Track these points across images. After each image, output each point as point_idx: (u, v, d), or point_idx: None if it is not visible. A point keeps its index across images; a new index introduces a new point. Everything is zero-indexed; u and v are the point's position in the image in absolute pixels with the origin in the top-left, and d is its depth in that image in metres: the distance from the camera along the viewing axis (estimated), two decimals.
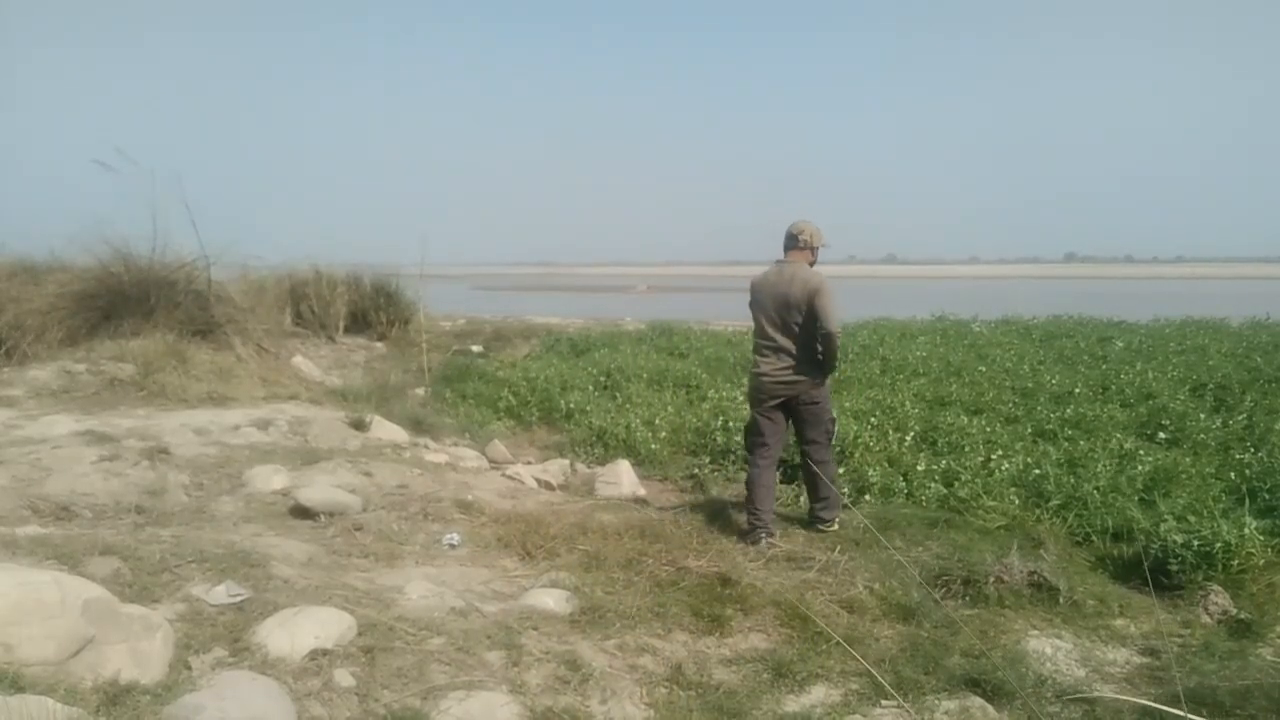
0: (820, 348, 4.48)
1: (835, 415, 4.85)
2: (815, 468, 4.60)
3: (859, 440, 6.12)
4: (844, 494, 5.18)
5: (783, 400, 4.60)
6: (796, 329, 4.47)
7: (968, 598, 3.70)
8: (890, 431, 6.59)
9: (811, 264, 4.65)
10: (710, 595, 3.57)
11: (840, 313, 4.50)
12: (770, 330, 4.56)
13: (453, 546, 4.14)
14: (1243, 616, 3.57)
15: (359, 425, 6.62)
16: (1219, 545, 3.87)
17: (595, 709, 2.72)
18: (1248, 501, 4.57)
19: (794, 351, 4.50)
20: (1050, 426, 6.57)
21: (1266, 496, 4.71)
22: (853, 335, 11.47)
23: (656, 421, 7.50)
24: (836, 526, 4.70)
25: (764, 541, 4.41)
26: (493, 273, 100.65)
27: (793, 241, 4.63)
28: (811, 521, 4.72)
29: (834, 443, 4.92)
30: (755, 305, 4.65)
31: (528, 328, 15.03)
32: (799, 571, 3.96)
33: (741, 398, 8.27)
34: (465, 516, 4.53)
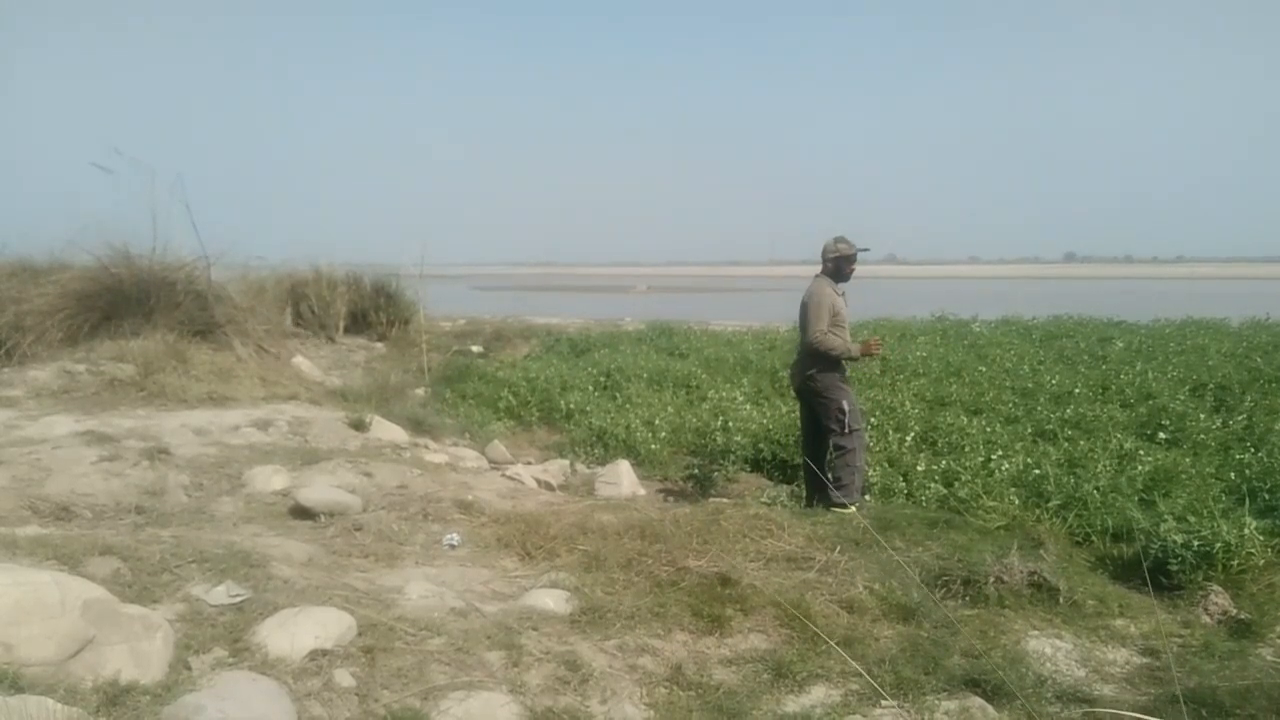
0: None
1: (848, 405, 5.17)
2: (833, 453, 5.20)
3: None
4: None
5: (799, 390, 5.43)
6: (800, 332, 5.33)
7: (968, 598, 3.70)
8: (890, 431, 6.59)
9: (838, 273, 5.30)
10: (710, 595, 3.56)
11: (823, 321, 5.12)
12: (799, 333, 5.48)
13: (453, 547, 4.13)
14: (1243, 616, 3.58)
15: (359, 425, 6.61)
16: (1219, 545, 3.87)
17: (595, 709, 2.71)
18: (1248, 501, 4.57)
19: (799, 349, 5.42)
20: (1050, 426, 6.57)
21: (1266, 496, 4.71)
22: (853, 335, 11.48)
23: (656, 422, 7.50)
24: (852, 510, 4.90)
25: (814, 502, 5.23)
26: (492, 273, 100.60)
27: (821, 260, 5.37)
28: (829, 502, 5.10)
29: (858, 429, 5.26)
30: None
31: (528, 328, 15.03)
32: (799, 571, 3.95)
33: (741, 398, 8.28)
34: (465, 517, 4.53)
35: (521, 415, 8.41)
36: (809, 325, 5.16)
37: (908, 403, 7.44)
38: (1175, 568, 3.89)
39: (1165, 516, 4.31)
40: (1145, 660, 3.28)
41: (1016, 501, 4.97)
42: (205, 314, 8.43)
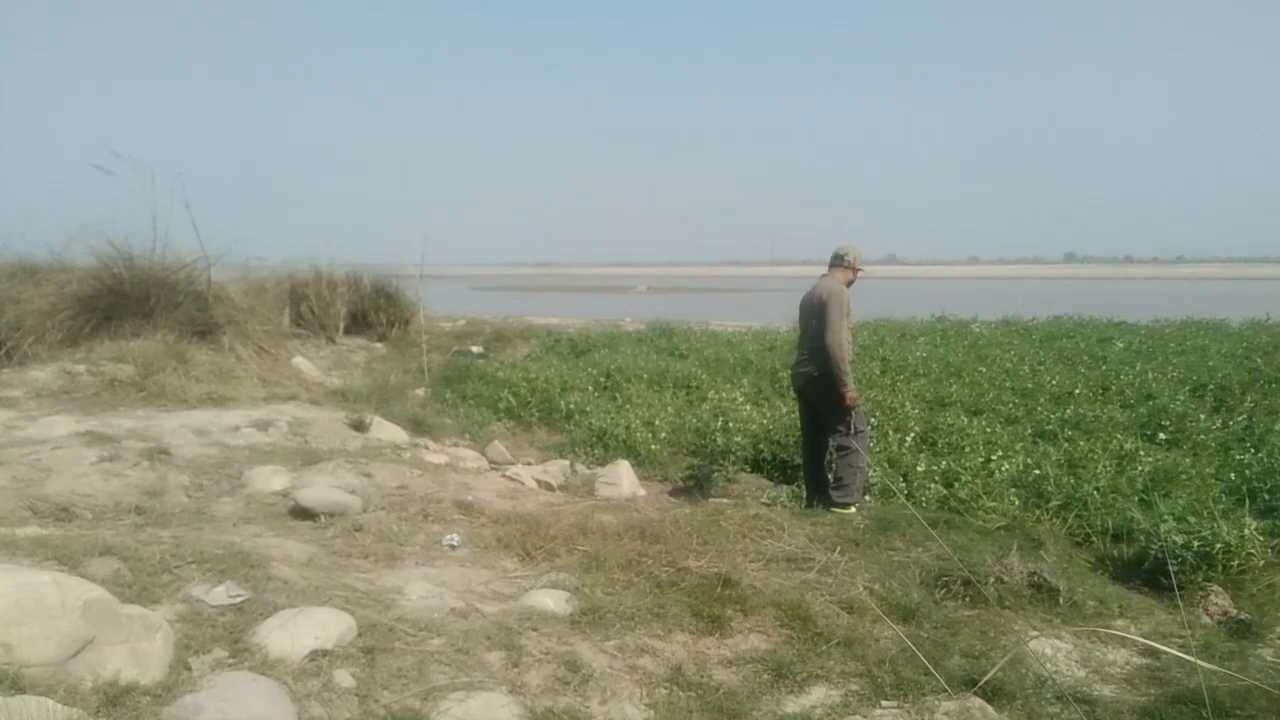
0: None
1: (859, 409, 5.15)
2: (835, 453, 5.15)
3: None
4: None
5: (802, 389, 5.32)
6: (812, 333, 5.13)
7: (968, 598, 3.70)
8: (890, 432, 6.59)
9: (850, 282, 5.25)
10: (710, 596, 3.57)
11: (844, 325, 4.97)
12: (801, 331, 5.38)
13: (453, 547, 4.13)
14: (1243, 617, 3.58)
15: (359, 426, 6.61)
16: (1219, 546, 3.87)
17: (595, 710, 2.71)
18: (1248, 502, 4.57)
19: (809, 349, 5.18)
20: (1050, 427, 6.57)
21: (1266, 497, 4.71)
22: (854, 336, 11.50)
23: (656, 422, 7.50)
24: (853, 510, 4.93)
25: (814, 503, 5.19)
26: (493, 273, 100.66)
27: (837, 260, 5.29)
28: (829, 502, 5.11)
29: (863, 430, 5.26)
30: (799, 310, 5.39)
31: (528, 328, 15.04)
32: (799, 572, 3.95)
33: (741, 398, 8.27)
34: (465, 517, 4.53)
35: (521, 416, 8.40)
36: (830, 324, 4.95)
37: (908, 403, 7.44)
38: (1175, 568, 3.88)
39: (1165, 517, 4.31)
40: (1145, 661, 3.28)
41: (1016, 502, 4.97)
42: (205, 314, 8.43)
